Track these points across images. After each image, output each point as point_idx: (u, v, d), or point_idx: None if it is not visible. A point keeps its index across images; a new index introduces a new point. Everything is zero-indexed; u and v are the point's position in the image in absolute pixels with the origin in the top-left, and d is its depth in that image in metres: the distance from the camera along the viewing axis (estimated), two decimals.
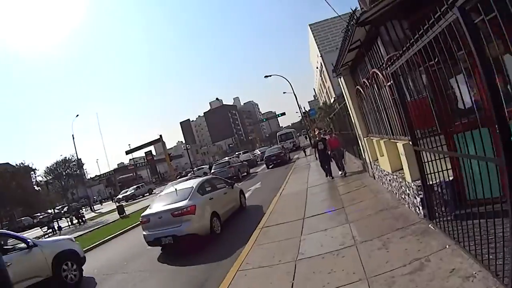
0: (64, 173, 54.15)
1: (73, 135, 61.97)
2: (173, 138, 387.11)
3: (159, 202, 13.24)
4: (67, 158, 55.44)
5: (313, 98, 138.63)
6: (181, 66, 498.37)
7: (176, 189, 13.65)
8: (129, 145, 74.41)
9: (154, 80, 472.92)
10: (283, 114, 74.38)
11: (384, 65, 7.58)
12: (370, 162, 13.65)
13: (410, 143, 7.47)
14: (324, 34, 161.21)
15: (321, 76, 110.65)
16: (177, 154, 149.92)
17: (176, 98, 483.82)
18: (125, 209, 32.45)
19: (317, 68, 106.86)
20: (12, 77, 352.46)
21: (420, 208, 7.71)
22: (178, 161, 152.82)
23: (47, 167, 54.72)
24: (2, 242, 11.06)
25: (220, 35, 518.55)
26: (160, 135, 66.21)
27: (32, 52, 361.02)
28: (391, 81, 7.46)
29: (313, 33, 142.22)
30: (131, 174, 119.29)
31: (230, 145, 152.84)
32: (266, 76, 50.51)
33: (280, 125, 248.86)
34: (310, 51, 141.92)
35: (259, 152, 61.55)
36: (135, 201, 57.32)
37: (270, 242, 9.86)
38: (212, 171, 35.82)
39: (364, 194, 12.13)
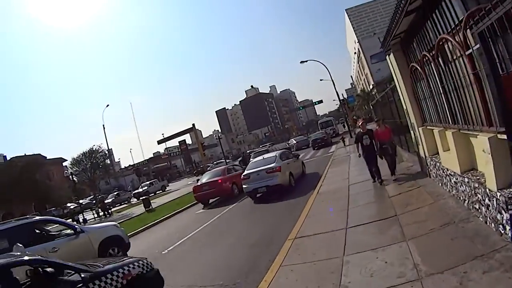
0: (90, 164, 52.87)
1: (103, 125, 61.37)
2: (210, 127, 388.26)
3: (253, 166, 19.92)
4: (93, 149, 54.08)
5: (350, 86, 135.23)
6: (217, 55, 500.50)
7: (263, 157, 20.77)
8: (162, 134, 72.98)
9: (190, 70, 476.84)
10: (320, 101, 72.65)
11: (460, 27, 5.48)
12: (426, 157, 11.23)
13: (502, 136, 5.28)
14: (361, 19, 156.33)
15: (358, 62, 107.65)
16: (212, 143, 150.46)
17: (212, 88, 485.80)
18: (152, 201, 32.26)
19: (354, 53, 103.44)
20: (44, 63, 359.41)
21: (508, 227, 5.42)
22: (214, 150, 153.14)
23: (73, 158, 53.67)
24: (50, 229, 11.69)
25: (256, 24, 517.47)
26: (193, 124, 65.69)
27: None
28: (476, 46, 5.18)
29: (349, 18, 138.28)
30: (166, 163, 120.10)
31: (266, 134, 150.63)
32: (302, 62, 48.66)
33: (317, 114, 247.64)
34: (347, 37, 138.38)
35: (295, 142, 57.84)
36: (164, 192, 56.27)
37: (301, 262, 7.83)
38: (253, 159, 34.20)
39: (420, 198, 9.82)
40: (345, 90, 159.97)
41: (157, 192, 57.88)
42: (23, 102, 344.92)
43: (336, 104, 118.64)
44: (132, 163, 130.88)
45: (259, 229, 12.29)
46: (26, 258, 6.01)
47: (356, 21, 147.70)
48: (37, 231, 10.94)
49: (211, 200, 22.77)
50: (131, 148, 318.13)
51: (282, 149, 34.81)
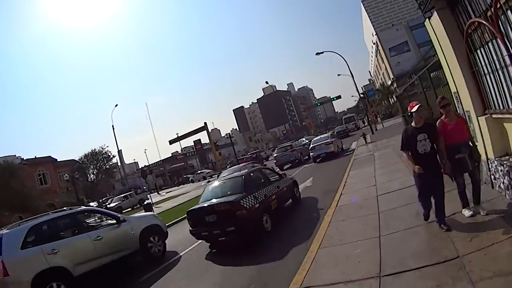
0: (91, 167, 50.35)
1: (113, 126, 58.90)
2: (228, 126, 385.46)
3: (316, 141, 31.92)
4: (96, 151, 51.47)
5: (368, 82, 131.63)
6: (235, 54, 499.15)
7: (320, 137, 33.69)
8: (176, 134, 70.59)
9: (209, 70, 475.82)
10: (339, 97, 69.53)
11: None
12: (489, 160, 7.87)
13: None
14: (378, 10, 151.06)
15: (376, 56, 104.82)
16: (229, 143, 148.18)
17: (231, 87, 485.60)
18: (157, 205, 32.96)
19: (374, 44, 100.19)
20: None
21: None
22: (230, 149, 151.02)
23: (68, 161, 51.45)
24: (95, 218, 12.58)
25: (272, 22, 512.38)
26: (205, 123, 63.06)
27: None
28: None
29: (366, 10, 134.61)
30: (182, 163, 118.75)
31: (284, 132, 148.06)
32: (318, 53, 45.04)
33: (336, 110, 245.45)
34: (364, 31, 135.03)
35: (305, 141, 50.55)
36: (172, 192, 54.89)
37: None
38: (275, 155, 37.18)
39: (488, 221, 6.58)
40: (362, 86, 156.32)
41: (136, 207, 45.91)
42: (42, 105, 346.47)
43: (355, 100, 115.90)
44: (147, 164, 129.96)
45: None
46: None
47: (373, 12, 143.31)
48: (82, 220, 11.65)
49: None
50: (146, 149, 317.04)
51: (298, 147, 39.71)
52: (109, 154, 53.81)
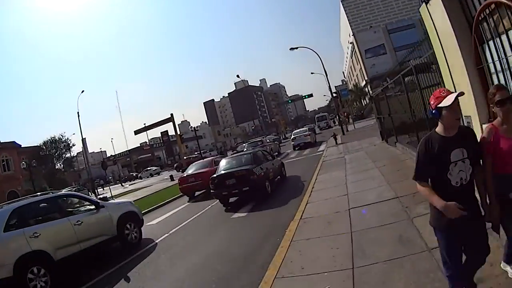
0: (50, 154, 48.14)
1: (78, 112, 56.10)
2: (199, 118, 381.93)
3: (297, 133, 42.17)
4: (56, 138, 49.20)
5: (341, 83, 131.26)
6: (210, 46, 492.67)
7: (300, 130, 47.52)
8: (144, 124, 68.41)
9: (182, 62, 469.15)
10: (310, 95, 69.49)
11: None
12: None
13: None
14: (357, 11, 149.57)
15: (352, 57, 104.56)
16: (198, 135, 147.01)
17: (204, 79, 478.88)
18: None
19: (350, 44, 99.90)
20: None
21: None
22: (199, 142, 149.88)
23: (31, 148, 48.88)
24: (74, 203, 12.00)
25: (248, 17, 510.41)
26: (171, 114, 61.92)
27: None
28: None
29: (345, 10, 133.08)
30: (149, 154, 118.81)
31: (253, 128, 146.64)
32: (292, 48, 44.00)
33: (307, 109, 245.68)
34: (341, 31, 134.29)
35: (268, 141, 48.24)
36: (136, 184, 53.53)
37: None
38: (245, 149, 36.86)
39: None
40: (335, 86, 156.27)
41: None
42: (7, 89, 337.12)
43: (327, 100, 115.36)
44: (113, 154, 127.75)
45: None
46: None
47: (352, 13, 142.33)
48: (63, 204, 11.30)
49: (197, 193, 21.74)
50: (112, 138, 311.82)
51: (268, 143, 43.48)
52: (69, 142, 51.54)
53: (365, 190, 11.03)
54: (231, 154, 28.29)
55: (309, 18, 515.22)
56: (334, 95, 49.68)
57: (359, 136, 31.13)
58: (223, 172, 15.87)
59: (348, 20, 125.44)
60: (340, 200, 10.75)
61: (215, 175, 15.84)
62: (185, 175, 22.13)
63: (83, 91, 66.06)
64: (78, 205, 11.89)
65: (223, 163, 17.35)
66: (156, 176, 60.42)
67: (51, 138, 49.12)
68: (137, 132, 70.81)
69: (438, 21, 6.88)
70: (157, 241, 12.41)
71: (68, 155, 51.71)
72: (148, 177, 69.96)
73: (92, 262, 10.88)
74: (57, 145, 49.08)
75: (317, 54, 42.22)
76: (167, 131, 78.58)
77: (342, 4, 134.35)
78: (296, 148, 38.75)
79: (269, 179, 16.02)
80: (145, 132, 72.71)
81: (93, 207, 11.52)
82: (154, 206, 21.27)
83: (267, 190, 15.30)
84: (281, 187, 17.08)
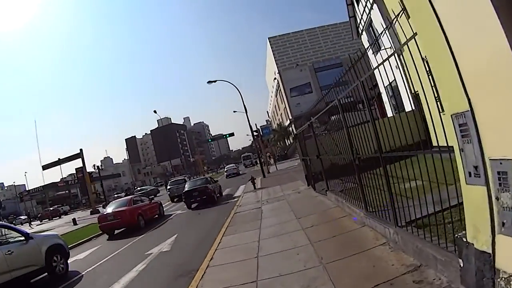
0: None
1: None
2: (123, 155, 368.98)
3: (229, 167, 67.23)
4: None
5: (265, 123, 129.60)
6: (134, 81, 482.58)
7: (231, 165, 76.05)
8: (58, 159, 62.55)
9: (104, 95, 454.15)
10: (231, 134, 66.30)
11: None
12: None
13: None
14: (284, 49, 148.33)
15: (276, 96, 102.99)
16: (116, 173, 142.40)
17: (127, 115, 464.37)
18: None
19: (275, 80, 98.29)
20: None
21: None
22: (118, 180, 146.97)
23: None
24: (5, 233, 11.76)
25: (174, 54, 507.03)
26: (81, 149, 57.85)
27: None
28: None
29: (272, 47, 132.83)
30: (65, 191, 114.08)
31: (171, 167, 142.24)
32: (209, 82, 40.13)
33: (230, 149, 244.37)
34: (267, 69, 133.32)
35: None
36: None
37: None
38: (169, 187, 39.43)
39: None
40: (260, 127, 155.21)
41: None
42: None
43: (250, 140, 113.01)
44: (27, 189, 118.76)
45: None
46: None
47: (279, 50, 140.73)
48: None
49: (116, 231, 21.53)
50: (26, 172, 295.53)
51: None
52: None
53: (284, 276, 6.96)
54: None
55: (237, 57, 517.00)
56: (255, 133, 46.58)
57: (282, 180, 27.74)
58: (190, 188, 26.48)
59: (274, 58, 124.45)
60: (247, 275, 7.57)
61: (186, 190, 26.55)
62: (104, 213, 22.35)
63: None
64: (8, 236, 11.72)
65: (189, 182, 29.36)
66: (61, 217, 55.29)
67: None
68: (45, 167, 65.52)
69: None
70: (83, 273, 12.47)
71: None
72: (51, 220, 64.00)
73: None
74: None
75: (236, 88, 39.36)
76: (81, 167, 72.20)
77: (269, 41, 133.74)
78: (228, 177, 57.72)
79: (214, 192, 26.64)
80: (52, 168, 66.67)
81: (23, 238, 11.67)
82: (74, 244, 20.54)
83: (215, 197, 26.47)
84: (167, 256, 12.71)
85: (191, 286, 7.88)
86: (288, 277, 6.74)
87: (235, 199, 24.15)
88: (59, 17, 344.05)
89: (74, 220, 37.61)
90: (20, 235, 11.82)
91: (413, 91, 13.26)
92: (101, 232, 22.13)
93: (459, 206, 4.71)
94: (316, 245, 8.26)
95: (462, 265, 4.11)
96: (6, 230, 11.96)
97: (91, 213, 50.85)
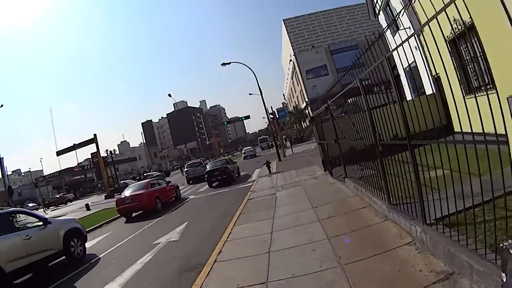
0: None
1: None
2: (140, 139, 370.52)
3: (247, 149, 72.29)
4: None
5: (281, 106, 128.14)
6: (151, 67, 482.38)
7: (249, 147, 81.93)
8: (74, 144, 62.45)
9: (121, 81, 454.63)
10: (247, 117, 66.87)
11: None
12: None
13: None
14: (299, 31, 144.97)
15: (292, 78, 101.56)
16: (132, 157, 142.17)
17: (144, 100, 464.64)
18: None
19: (290, 62, 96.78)
20: None
21: None
22: (134, 163, 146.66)
23: None
24: (24, 219, 12.05)
25: (188, 39, 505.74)
26: (95, 134, 57.22)
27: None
28: None
29: (287, 30, 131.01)
30: (82, 175, 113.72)
31: (187, 151, 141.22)
32: (223, 64, 39.04)
33: (247, 131, 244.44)
34: (283, 52, 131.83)
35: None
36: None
37: None
38: (186, 169, 41.05)
39: None
40: (276, 109, 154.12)
41: None
42: None
43: (266, 123, 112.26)
44: (43, 174, 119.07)
45: None
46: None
47: (294, 33, 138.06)
48: (13, 220, 11.40)
49: (134, 214, 21.89)
50: (42, 158, 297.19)
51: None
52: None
53: (298, 278, 6.25)
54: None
55: (253, 40, 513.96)
56: (271, 116, 45.69)
57: (298, 164, 26.94)
58: (211, 168, 29.44)
59: (290, 40, 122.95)
60: (258, 272, 6.94)
61: (207, 170, 29.54)
62: (122, 197, 22.29)
63: (2, 105, 59.95)
64: (27, 221, 11.95)
65: (210, 164, 32.53)
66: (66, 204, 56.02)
67: None
68: (59, 153, 65.73)
69: None
70: (100, 256, 12.82)
71: None
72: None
73: (40, 275, 11.52)
74: None
75: (250, 69, 38.19)
76: (97, 152, 72.08)
77: (284, 24, 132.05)
78: (246, 158, 64.11)
79: (234, 172, 30.05)
80: (66, 153, 66.64)
81: (41, 223, 11.93)
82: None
83: (235, 177, 29.52)
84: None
85: (195, 285, 7.24)
86: (301, 280, 6.05)
87: (250, 184, 23.42)
88: (73, 2, 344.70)
89: (87, 205, 37.43)
90: (38, 220, 12.11)
91: (434, 74, 12.50)
92: (112, 218, 22.80)
93: (493, 201, 4.05)
94: (334, 241, 7.53)
95: (505, 280, 3.41)
96: (25, 215, 12.34)
97: (106, 197, 50.66)
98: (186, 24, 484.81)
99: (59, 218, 16.71)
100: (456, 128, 4.61)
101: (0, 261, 9.54)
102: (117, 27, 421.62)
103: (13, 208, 15.09)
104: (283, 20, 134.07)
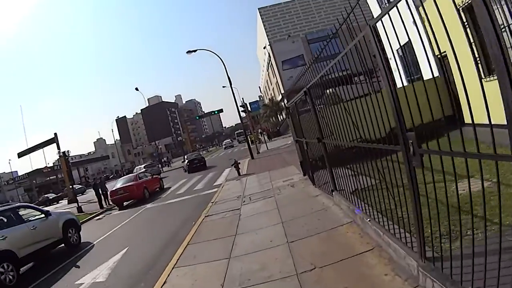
0: None
1: None
2: (115, 136, 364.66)
3: (227, 142, 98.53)
4: None
5: (258, 99, 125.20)
6: (126, 61, 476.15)
7: (230, 140, 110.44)
8: (35, 145, 58.20)
9: (94, 75, 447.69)
10: (221, 111, 66.24)
11: None
12: None
13: None
14: (275, 20, 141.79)
15: (268, 69, 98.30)
16: (104, 155, 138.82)
17: (119, 95, 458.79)
18: None
19: (266, 52, 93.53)
20: None
21: None
22: (107, 162, 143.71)
23: None
24: (29, 212, 13.75)
25: (166, 34, 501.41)
26: (55, 133, 51.82)
27: None
28: None
29: (262, 18, 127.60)
30: (53, 177, 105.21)
31: (159, 148, 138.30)
32: (189, 52, 35.21)
33: (224, 125, 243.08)
34: (258, 42, 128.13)
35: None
36: None
37: None
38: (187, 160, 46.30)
39: None
40: (249, 103, 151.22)
41: None
42: None
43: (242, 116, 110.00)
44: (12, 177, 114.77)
45: None
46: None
47: (269, 21, 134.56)
48: (21, 213, 13.09)
49: (125, 203, 25.03)
50: (10, 159, 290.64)
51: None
52: None
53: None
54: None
55: (227, 30, 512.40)
56: (242, 109, 42.59)
57: (272, 163, 23.53)
58: (191, 158, 41.83)
59: (265, 29, 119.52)
60: None
61: (189, 159, 41.88)
62: (114, 189, 25.63)
63: None
64: (31, 214, 13.65)
65: (187, 156, 46.23)
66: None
67: None
68: (20, 154, 61.39)
69: None
70: (94, 243, 14.67)
71: None
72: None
73: (43, 260, 13.15)
74: None
75: (219, 57, 34.45)
76: (65, 152, 67.71)
77: (259, 12, 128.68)
78: (226, 148, 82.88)
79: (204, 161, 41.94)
80: (27, 155, 62.37)
81: (43, 215, 13.78)
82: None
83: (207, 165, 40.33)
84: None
85: None
86: None
87: (215, 189, 19.92)
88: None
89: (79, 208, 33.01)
90: (40, 213, 13.98)
91: (437, 53, 10.28)
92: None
93: None
94: None
95: None
96: (30, 209, 14.13)
97: (69, 202, 46.55)
98: (160, 18, 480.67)
99: (57, 211, 17.85)
100: (467, 120, 3.82)
101: (14, 248, 11.26)
102: (84, 15, 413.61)
103: (19, 203, 16.88)
104: (258, 8, 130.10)
